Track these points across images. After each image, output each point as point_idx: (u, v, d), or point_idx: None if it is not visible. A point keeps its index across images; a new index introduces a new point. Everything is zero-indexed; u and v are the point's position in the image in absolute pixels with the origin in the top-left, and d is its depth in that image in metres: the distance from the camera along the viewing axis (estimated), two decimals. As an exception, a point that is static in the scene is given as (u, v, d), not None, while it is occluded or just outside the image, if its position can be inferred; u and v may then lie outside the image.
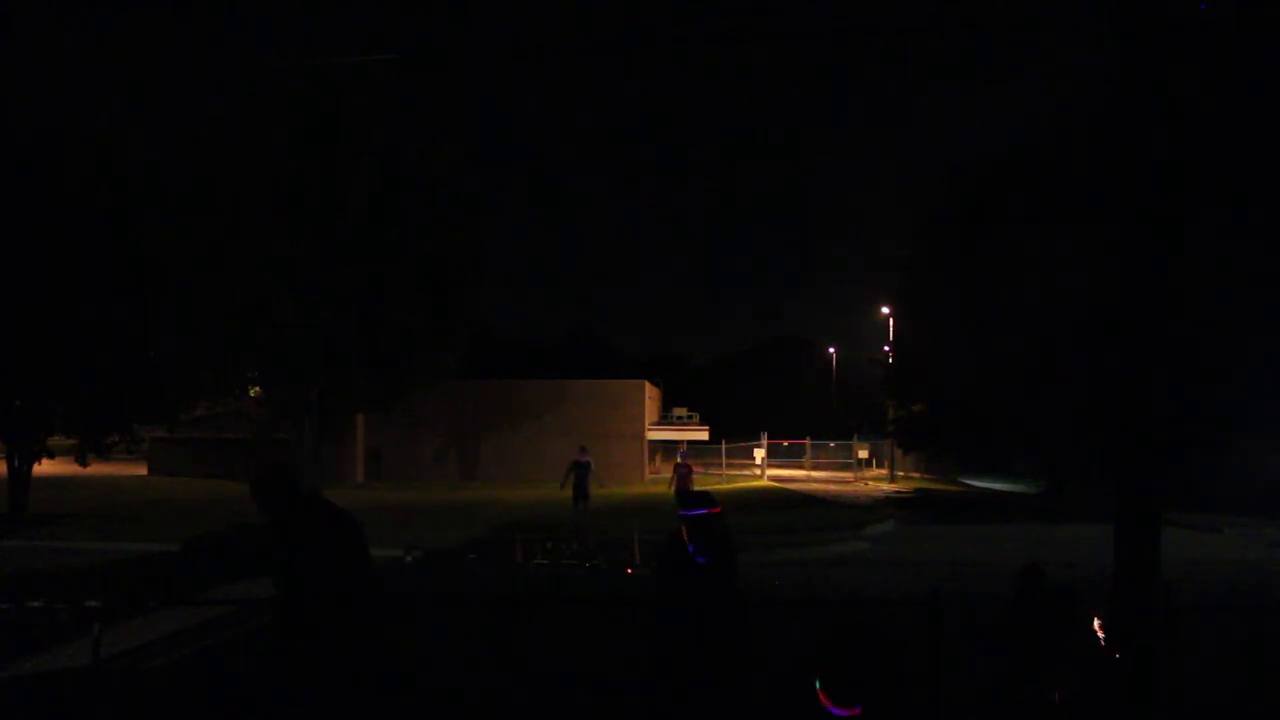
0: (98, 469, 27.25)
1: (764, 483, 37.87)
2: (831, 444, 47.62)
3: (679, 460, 21.26)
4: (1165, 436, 6.33)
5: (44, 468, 22.64)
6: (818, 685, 3.20)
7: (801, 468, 45.11)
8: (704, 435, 41.45)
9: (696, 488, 19.90)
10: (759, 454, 44.78)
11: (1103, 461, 24.30)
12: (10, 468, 20.97)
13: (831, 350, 75.30)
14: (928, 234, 31.45)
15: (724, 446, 44.91)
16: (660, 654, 5.10)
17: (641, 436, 39.29)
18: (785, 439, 46.68)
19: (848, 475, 43.44)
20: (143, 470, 38.16)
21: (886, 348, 41.49)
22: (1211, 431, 24.07)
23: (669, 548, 5.24)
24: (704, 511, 5.14)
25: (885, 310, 44.64)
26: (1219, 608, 10.35)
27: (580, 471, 18.97)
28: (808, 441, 45.81)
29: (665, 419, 42.58)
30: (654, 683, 5.11)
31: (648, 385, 41.45)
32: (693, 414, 42.01)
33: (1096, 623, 6.18)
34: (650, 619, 5.20)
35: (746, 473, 43.63)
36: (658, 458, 43.93)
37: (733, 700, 4.95)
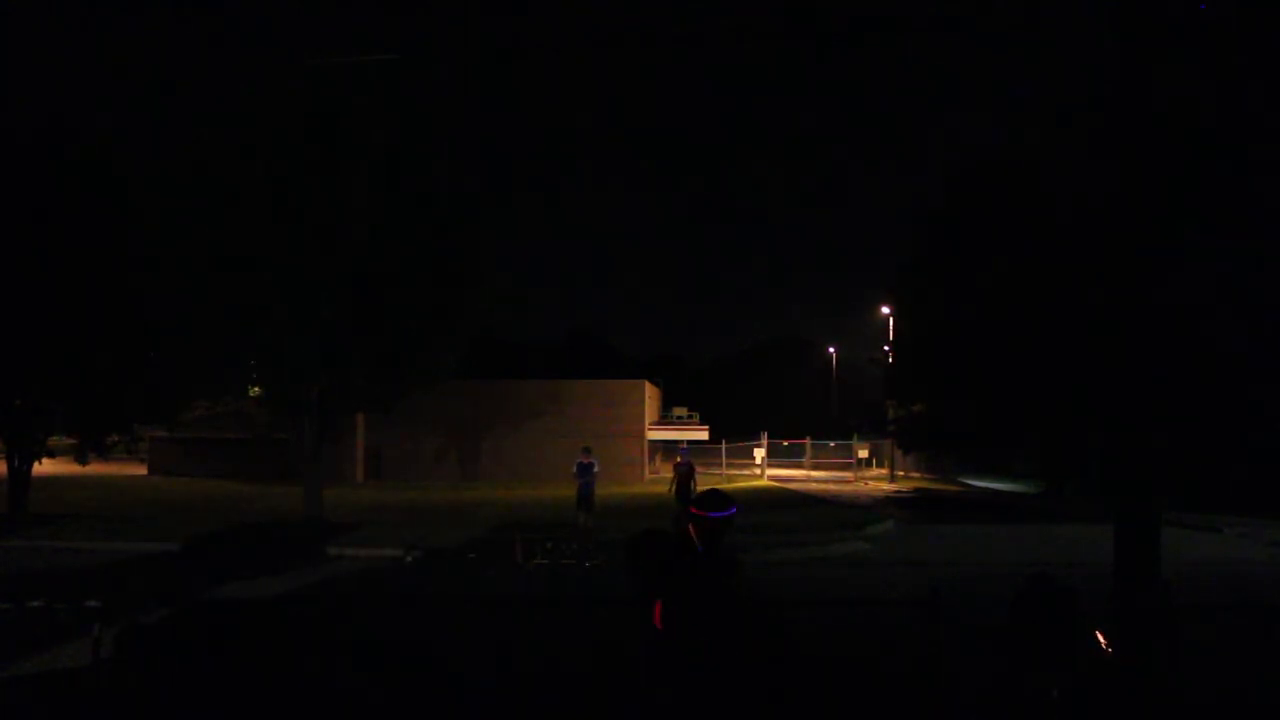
0: (98, 469, 27.28)
1: (764, 482, 37.88)
2: (831, 444, 47.63)
3: (679, 460, 21.07)
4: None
5: (44, 468, 22.64)
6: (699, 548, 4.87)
7: (801, 468, 45.11)
8: (704, 435, 41.46)
9: (699, 489, 19.75)
10: (759, 454, 44.80)
11: (1103, 461, 24.30)
12: (10, 467, 20.96)
13: (831, 350, 75.35)
14: (928, 234, 31.47)
15: (724, 446, 44.91)
16: (657, 659, 4.93)
17: (641, 436, 39.28)
18: (785, 439, 46.69)
19: (848, 475, 43.45)
20: (143, 470, 38.16)
21: (886, 347, 41.50)
22: None
23: (678, 548, 4.99)
24: (732, 512, 4.94)
25: (885, 310, 44.66)
26: (1219, 608, 10.36)
27: (584, 472, 18.63)
28: (808, 441, 45.82)
29: (665, 419, 42.58)
30: (654, 686, 5.02)
31: (648, 385, 41.45)
32: (693, 414, 42.02)
33: (1099, 635, 6.18)
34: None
35: (746, 472, 43.64)
36: (658, 458, 43.93)
37: (737, 699, 4.89)
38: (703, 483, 23.78)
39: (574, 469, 18.99)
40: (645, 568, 5.01)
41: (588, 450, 19.33)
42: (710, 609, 4.89)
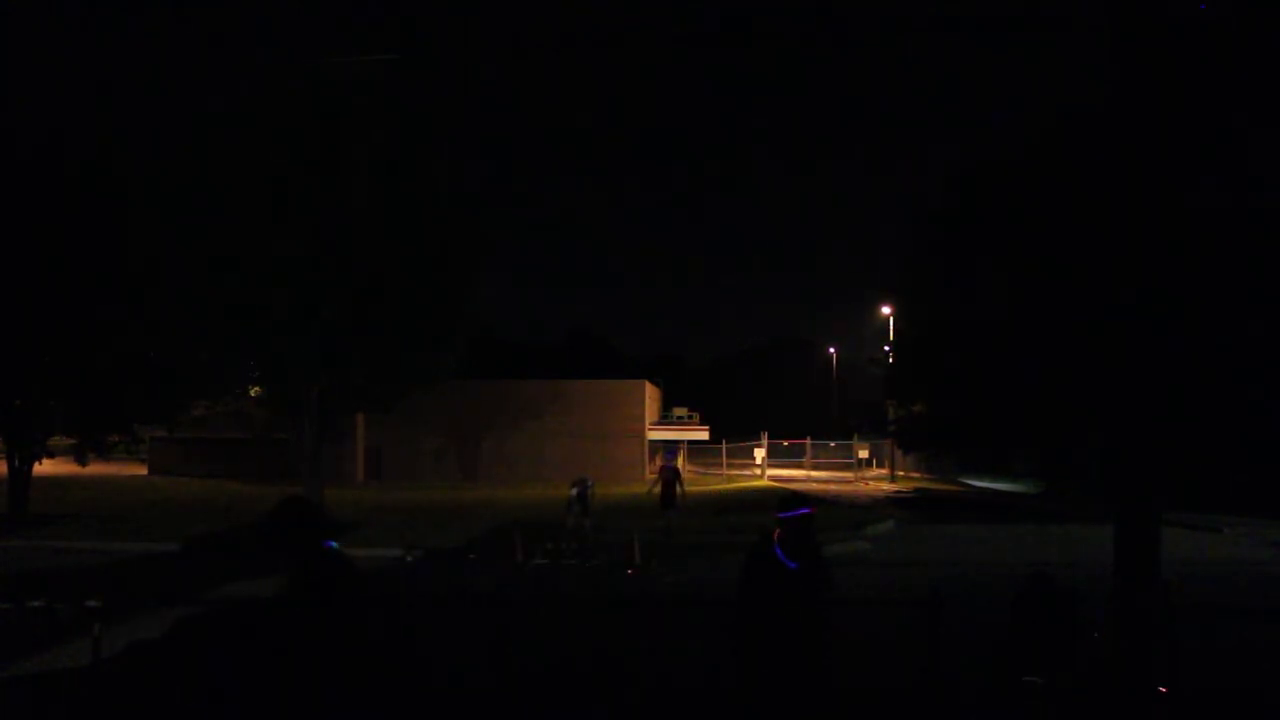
0: (98, 469, 27.28)
1: (764, 482, 37.84)
2: (831, 444, 47.61)
3: (663, 463, 20.52)
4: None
5: (44, 468, 22.64)
6: (778, 551, 5.02)
7: (801, 468, 45.08)
8: (704, 435, 41.44)
9: (680, 489, 19.30)
10: (759, 454, 44.77)
11: (1103, 461, 24.28)
12: (10, 468, 20.97)
13: (831, 350, 75.39)
14: (928, 233, 31.45)
15: (724, 446, 44.91)
16: (746, 658, 5.07)
17: (642, 436, 39.28)
18: (785, 439, 46.66)
19: (848, 475, 43.43)
20: (143, 470, 38.15)
21: (886, 348, 41.49)
22: None
23: (757, 550, 5.17)
24: (805, 511, 5.09)
25: (885, 310, 44.67)
26: (1219, 608, 10.34)
27: (581, 500, 17.63)
28: (808, 441, 45.79)
29: (665, 419, 42.57)
30: (740, 687, 5.10)
31: (648, 385, 41.45)
32: (693, 414, 42.01)
33: (1099, 635, 6.18)
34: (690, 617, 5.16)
35: (747, 472, 43.63)
36: (658, 458, 43.92)
37: (813, 704, 4.94)
38: (703, 483, 23.44)
39: (573, 494, 17.76)
40: (745, 570, 5.19)
41: (579, 481, 17.95)
42: (795, 609, 5.00)
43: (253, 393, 24.11)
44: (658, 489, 19.61)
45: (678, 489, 19.12)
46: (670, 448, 25.57)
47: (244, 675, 5.46)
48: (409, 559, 15.80)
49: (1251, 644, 9.14)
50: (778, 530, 5.11)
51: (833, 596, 5.23)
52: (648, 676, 8.23)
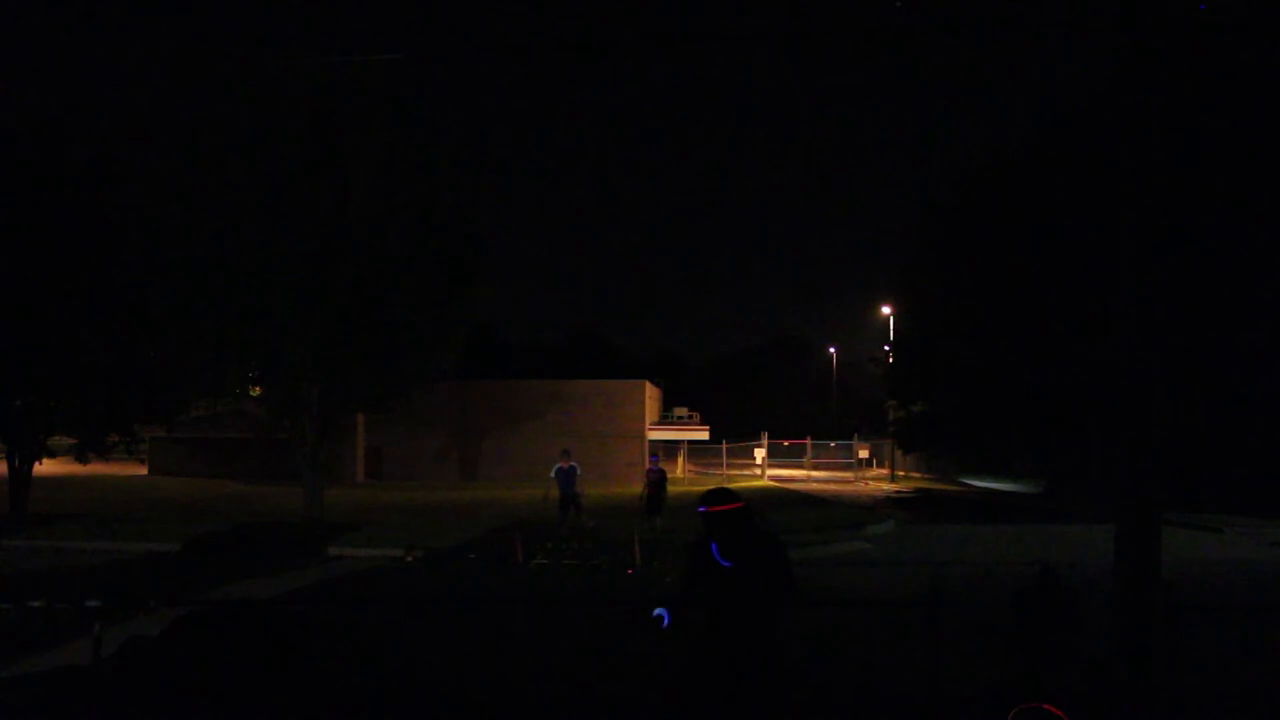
0: (98, 469, 27.28)
1: (764, 483, 37.86)
2: (832, 444, 47.62)
3: (650, 466, 20.35)
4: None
5: (44, 468, 22.64)
6: (713, 549, 4.80)
7: (802, 468, 45.09)
8: (704, 435, 41.45)
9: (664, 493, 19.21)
10: (759, 454, 44.78)
11: (1103, 461, 24.30)
12: (10, 468, 20.97)
13: (831, 350, 75.37)
14: (928, 231, 31.46)
15: (724, 446, 44.91)
16: (676, 660, 4.98)
17: (642, 436, 39.28)
18: (785, 439, 46.67)
19: (848, 475, 43.44)
20: (143, 470, 38.16)
21: (886, 347, 41.50)
22: None
23: (696, 546, 5.00)
24: (704, 510, 4.86)
25: (885, 310, 44.71)
26: (1219, 608, 10.35)
27: (565, 477, 17.77)
28: (808, 441, 45.79)
29: (665, 419, 42.58)
30: (671, 686, 5.02)
31: (648, 385, 41.46)
32: (693, 414, 42.02)
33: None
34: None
35: (747, 473, 43.64)
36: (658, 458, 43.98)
37: (750, 702, 4.79)
38: (703, 483, 23.38)
39: (553, 473, 17.94)
40: (685, 565, 5.11)
41: (567, 453, 18.30)
42: (730, 610, 4.85)
43: (253, 393, 24.11)
44: (645, 493, 19.51)
45: (665, 492, 19.11)
46: (656, 451, 25.51)
47: (243, 675, 5.46)
48: (409, 559, 15.79)
49: (1252, 643, 9.14)
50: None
51: (777, 593, 4.90)
52: (647, 677, 8.22)
